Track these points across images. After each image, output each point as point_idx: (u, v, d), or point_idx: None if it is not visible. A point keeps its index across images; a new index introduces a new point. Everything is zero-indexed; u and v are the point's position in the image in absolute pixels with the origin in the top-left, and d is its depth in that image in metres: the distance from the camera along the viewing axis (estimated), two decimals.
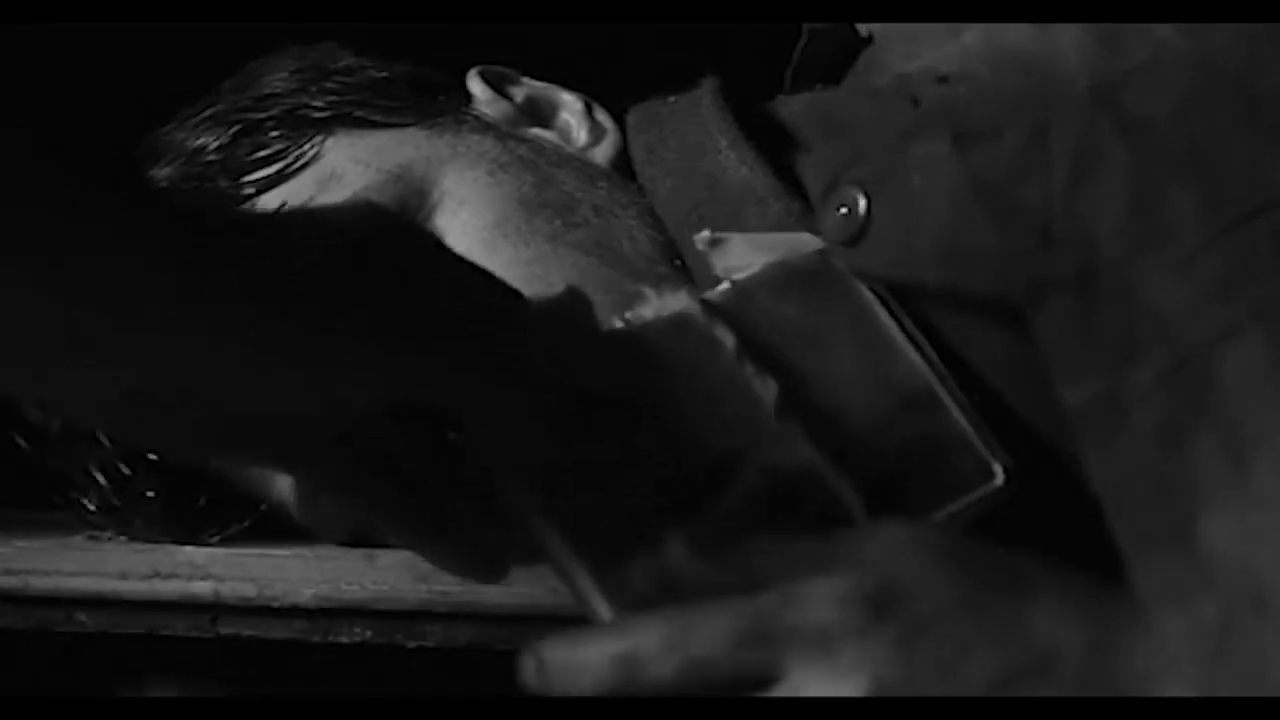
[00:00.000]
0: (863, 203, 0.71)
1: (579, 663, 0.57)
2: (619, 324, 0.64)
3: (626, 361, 0.63)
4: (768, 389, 0.63)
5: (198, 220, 0.56)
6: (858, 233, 0.70)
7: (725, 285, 0.66)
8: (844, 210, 0.71)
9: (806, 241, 0.68)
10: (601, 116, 0.86)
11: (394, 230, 0.59)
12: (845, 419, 0.63)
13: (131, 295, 0.52)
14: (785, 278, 0.66)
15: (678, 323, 0.64)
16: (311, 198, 0.79)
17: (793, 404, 0.62)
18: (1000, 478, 0.64)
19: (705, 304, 0.65)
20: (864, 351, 0.64)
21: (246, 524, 0.79)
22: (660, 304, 0.64)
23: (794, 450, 0.62)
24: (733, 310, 0.65)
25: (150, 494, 0.79)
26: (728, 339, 0.63)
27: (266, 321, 0.54)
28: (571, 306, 0.63)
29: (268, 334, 0.54)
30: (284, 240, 0.56)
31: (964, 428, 0.64)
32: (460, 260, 0.61)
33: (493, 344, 0.58)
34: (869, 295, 0.65)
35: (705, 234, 0.69)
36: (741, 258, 0.67)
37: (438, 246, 0.61)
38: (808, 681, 0.57)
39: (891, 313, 0.65)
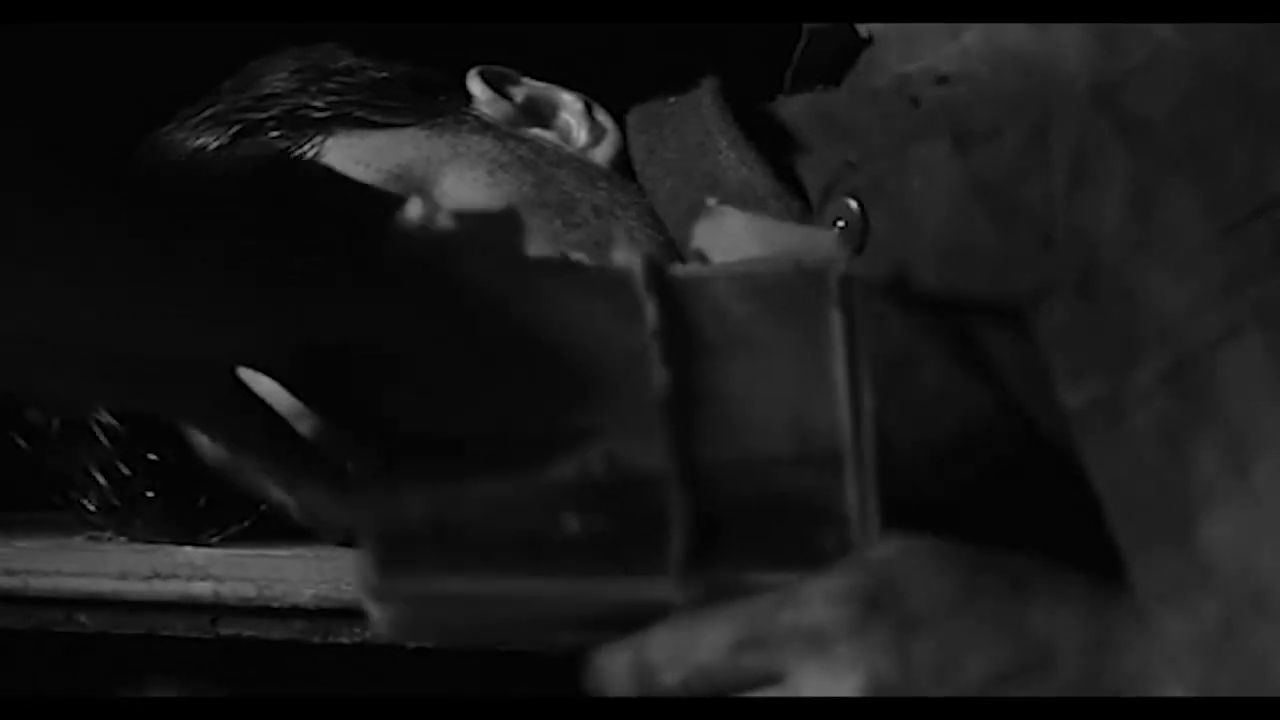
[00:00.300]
0: (859, 215, 0.71)
1: (607, 672, 0.60)
2: (554, 253, 0.62)
3: (533, 295, 0.60)
4: (659, 382, 0.59)
5: (87, 163, 0.55)
6: (857, 245, 0.70)
7: (692, 266, 0.63)
8: (841, 223, 0.71)
9: (816, 238, 0.65)
10: (601, 116, 0.86)
11: (281, 163, 0.58)
12: (739, 440, 0.59)
13: (18, 236, 0.52)
14: (757, 280, 0.61)
15: (613, 278, 0.61)
16: None
17: (687, 405, 0.59)
18: None
19: (653, 271, 0.60)
20: (799, 384, 0.60)
21: (246, 524, 0.79)
22: (615, 255, 0.62)
23: (650, 453, 0.58)
24: (684, 290, 0.61)
25: (150, 494, 0.78)
26: (651, 316, 0.60)
27: (151, 260, 0.53)
28: (502, 226, 0.62)
29: (152, 273, 0.53)
30: (174, 182, 0.55)
31: (850, 507, 0.58)
32: (354, 185, 0.60)
33: (379, 270, 0.57)
34: (839, 328, 0.60)
35: (711, 200, 0.66)
36: (728, 241, 0.65)
37: (328, 175, 0.60)
38: (806, 680, 0.57)
39: (852, 356, 0.60)
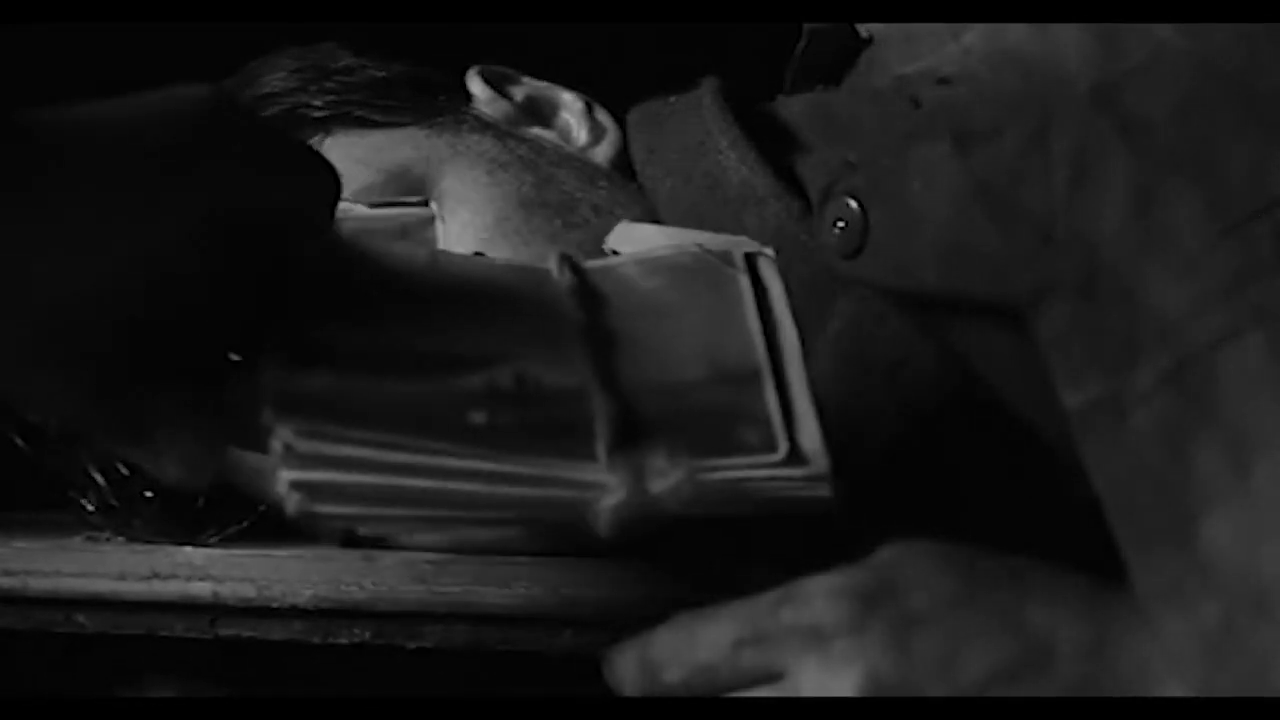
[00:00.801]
0: (859, 215, 0.71)
1: (617, 672, 0.61)
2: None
3: (448, 260, 0.62)
4: (575, 320, 0.60)
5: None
6: (857, 245, 0.70)
7: (600, 259, 0.65)
8: (841, 223, 0.71)
9: (730, 238, 0.66)
10: (602, 116, 0.86)
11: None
12: (655, 370, 0.59)
13: None
14: (662, 261, 0.64)
15: (530, 266, 0.63)
16: None
17: (603, 340, 0.60)
18: (781, 452, 0.57)
19: (566, 257, 0.62)
20: (710, 326, 0.61)
21: (245, 524, 0.78)
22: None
23: (565, 374, 0.58)
24: (594, 271, 0.63)
25: (149, 494, 0.78)
26: (566, 280, 0.62)
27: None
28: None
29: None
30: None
31: (769, 409, 0.58)
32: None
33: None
34: (748, 289, 0.62)
35: (625, 221, 0.68)
36: (639, 242, 0.66)
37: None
38: (805, 677, 0.58)
39: (762, 306, 0.62)
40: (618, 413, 0.57)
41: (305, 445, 0.55)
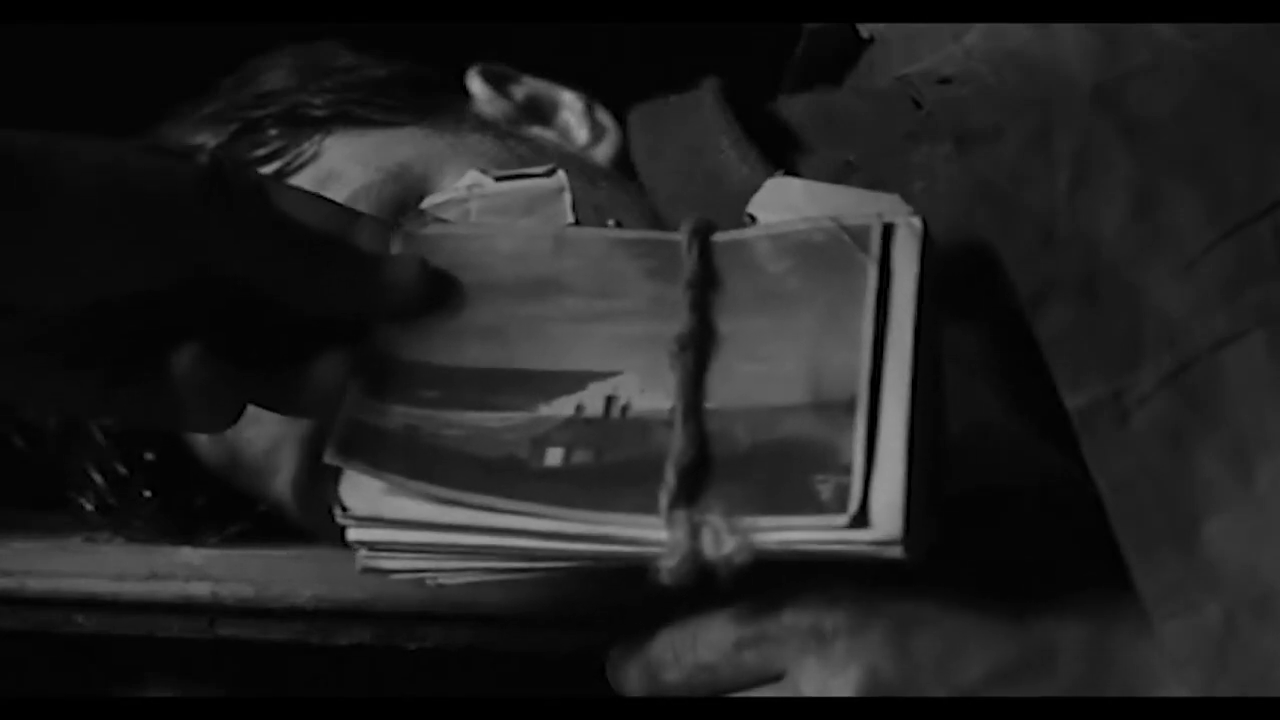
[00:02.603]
0: None
1: (620, 672, 0.61)
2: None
3: (574, 245, 0.61)
4: (682, 327, 0.58)
5: None
6: None
7: (735, 231, 0.62)
8: None
9: (877, 199, 0.62)
10: (602, 116, 0.85)
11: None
12: (751, 390, 0.57)
13: None
14: (796, 238, 0.60)
15: (665, 241, 0.61)
16: None
17: (704, 351, 0.58)
18: (847, 517, 0.53)
19: (699, 232, 0.60)
20: (822, 332, 0.57)
21: (245, 525, 0.78)
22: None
23: (655, 397, 0.57)
24: (723, 250, 0.60)
25: (148, 494, 0.78)
26: (689, 269, 0.60)
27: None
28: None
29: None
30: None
31: (853, 452, 0.54)
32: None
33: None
34: (873, 281, 0.58)
35: (779, 173, 0.65)
36: (783, 204, 0.63)
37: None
38: (805, 677, 0.58)
39: (881, 308, 0.58)
40: (691, 457, 0.56)
41: (363, 505, 0.57)
